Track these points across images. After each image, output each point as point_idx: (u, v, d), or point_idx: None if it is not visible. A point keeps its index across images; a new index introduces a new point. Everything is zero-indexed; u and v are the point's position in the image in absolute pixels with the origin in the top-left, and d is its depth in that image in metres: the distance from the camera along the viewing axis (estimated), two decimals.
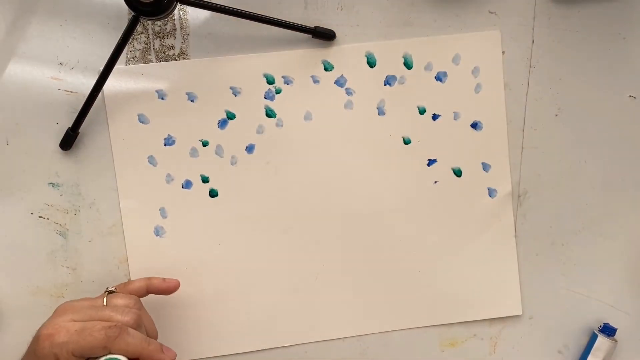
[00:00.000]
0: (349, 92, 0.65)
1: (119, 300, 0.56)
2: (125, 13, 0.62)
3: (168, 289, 0.61)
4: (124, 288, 0.59)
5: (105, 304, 0.55)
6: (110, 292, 0.57)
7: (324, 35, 0.63)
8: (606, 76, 0.67)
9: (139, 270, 0.64)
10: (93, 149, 0.63)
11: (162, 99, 0.63)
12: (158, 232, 0.64)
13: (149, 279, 0.60)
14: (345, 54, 0.64)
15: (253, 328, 0.66)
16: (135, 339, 0.52)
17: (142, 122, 0.63)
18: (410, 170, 0.66)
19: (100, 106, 0.62)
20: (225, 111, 0.64)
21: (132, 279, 0.64)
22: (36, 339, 0.52)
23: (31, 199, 0.63)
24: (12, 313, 0.64)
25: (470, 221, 0.67)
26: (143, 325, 0.55)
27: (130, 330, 0.52)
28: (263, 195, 0.64)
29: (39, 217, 0.63)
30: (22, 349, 0.63)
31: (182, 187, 0.64)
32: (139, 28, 0.62)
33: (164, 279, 0.61)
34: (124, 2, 0.54)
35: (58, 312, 0.54)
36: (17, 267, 0.63)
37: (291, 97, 0.64)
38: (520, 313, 0.68)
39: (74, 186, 0.63)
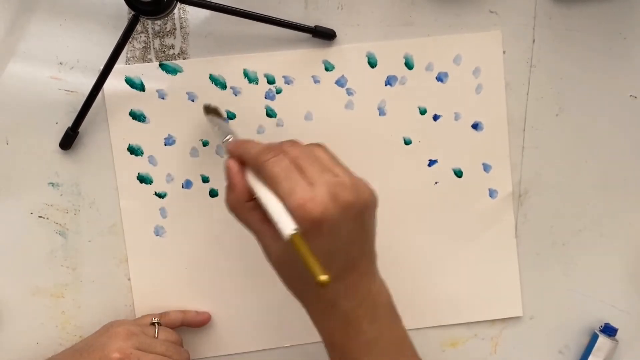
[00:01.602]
0: (349, 92, 0.65)
1: (169, 336, 0.61)
2: (125, 12, 0.62)
3: (201, 322, 0.64)
4: (162, 319, 0.62)
5: (157, 336, 0.60)
6: (156, 322, 0.61)
7: (325, 35, 0.63)
8: (607, 76, 0.67)
9: (139, 271, 0.64)
10: (93, 149, 0.63)
11: (163, 98, 0.63)
12: (158, 232, 0.64)
13: (184, 312, 0.64)
14: (346, 54, 0.64)
15: (253, 328, 0.66)
16: None
17: (142, 122, 0.63)
18: (411, 171, 0.66)
19: (100, 106, 0.62)
20: (225, 111, 0.64)
21: (132, 279, 0.64)
22: (104, 357, 0.56)
23: (31, 199, 0.63)
24: (12, 313, 0.63)
25: (471, 222, 0.67)
26: None
27: None
28: None
29: (39, 216, 0.63)
30: (22, 349, 0.64)
31: (183, 187, 0.64)
32: (138, 27, 0.62)
33: (197, 313, 0.64)
34: (123, 2, 0.53)
35: (119, 335, 0.58)
36: (17, 267, 0.63)
37: (292, 97, 0.64)
38: (521, 314, 0.68)
39: (74, 186, 0.63)
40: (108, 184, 0.63)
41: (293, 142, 0.51)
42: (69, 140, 0.62)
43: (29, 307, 0.64)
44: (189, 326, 0.64)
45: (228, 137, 0.55)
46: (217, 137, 0.58)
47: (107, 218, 0.64)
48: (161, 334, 0.60)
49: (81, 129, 0.62)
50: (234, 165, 0.51)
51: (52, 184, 0.63)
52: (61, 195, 0.63)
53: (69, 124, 0.61)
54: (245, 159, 0.51)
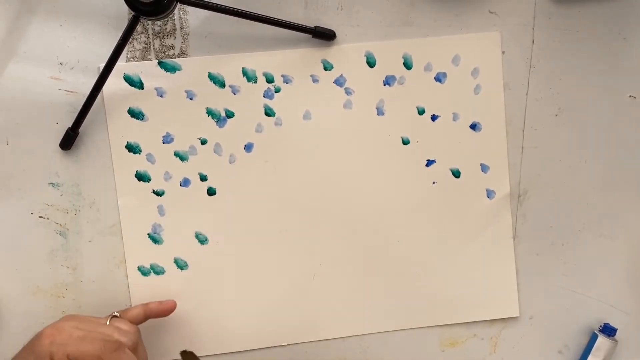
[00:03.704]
0: (348, 91, 0.65)
1: (121, 325, 0.59)
2: (125, 13, 0.62)
3: (164, 311, 0.63)
4: (123, 314, 0.61)
5: (108, 324, 0.58)
6: (114, 316, 0.60)
7: (324, 35, 0.63)
8: (606, 76, 0.67)
9: (136, 268, 0.64)
10: (93, 149, 0.63)
11: (161, 96, 0.63)
12: (156, 229, 0.64)
13: (146, 304, 0.62)
14: (345, 54, 0.64)
15: (252, 326, 0.66)
16: (128, 358, 0.55)
17: (140, 120, 0.63)
18: (409, 171, 0.66)
19: (100, 106, 0.63)
20: (224, 109, 0.64)
21: (129, 275, 0.64)
22: (38, 336, 0.55)
23: (31, 199, 0.63)
24: (12, 313, 0.64)
25: (468, 222, 0.67)
26: (138, 352, 0.59)
27: (127, 350, 0.55)
28: (261, 194, 0.65)
29: (39, 217, 0.63)
30: None
31: (180, 185, 0.64)
32: (139, 28, 0.63)
33: (160, 302, 0.63)
34: (124, 2, 0.54)
35: (64, 318, 0.57)
36: (17, 267, 0.63)
37: (290, 96, 0.64)
38: (517, 315, 0.68)
39: (74, 186, 0.63)
40: (108, 185, 0.64)
41: None
42: (69, 141, 0.62)
43: (29, 307, 0.64)
44: (154, 317, 0.62)
45: None
46: None
47: (107, 218, 0.64)
48: (112, 321, 0.58)
49: (81, 129, 0.62)
50: None
51: (53, 184, 0.63)
52: (61, 195, 0.63)
53: (69, 124, 0.62)
54: None
